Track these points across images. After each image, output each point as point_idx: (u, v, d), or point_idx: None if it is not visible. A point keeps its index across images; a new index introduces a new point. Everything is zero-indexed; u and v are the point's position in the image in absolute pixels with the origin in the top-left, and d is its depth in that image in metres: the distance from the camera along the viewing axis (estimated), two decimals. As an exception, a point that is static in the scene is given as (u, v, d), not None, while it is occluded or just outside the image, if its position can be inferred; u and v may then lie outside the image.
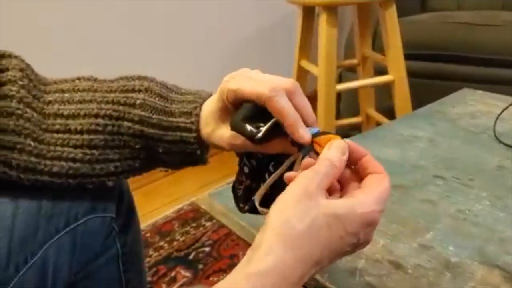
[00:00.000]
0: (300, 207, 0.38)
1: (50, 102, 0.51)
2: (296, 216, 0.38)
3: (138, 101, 0.50)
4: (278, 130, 0.45)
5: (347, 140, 0.44)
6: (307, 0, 1.49)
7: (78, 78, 0.54)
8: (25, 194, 0.51)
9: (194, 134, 0.50)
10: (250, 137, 0.45)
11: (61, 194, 0.53)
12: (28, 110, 0.49)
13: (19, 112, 0.48)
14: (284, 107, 0.43)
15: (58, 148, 0.50)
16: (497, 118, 0.91)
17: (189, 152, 0.51)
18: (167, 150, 0.51)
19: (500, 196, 0.69)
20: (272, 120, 0.45)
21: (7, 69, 0.50)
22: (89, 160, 0.50)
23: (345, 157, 0.42)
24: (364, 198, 0.40)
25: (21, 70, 0.50)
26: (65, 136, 0.50)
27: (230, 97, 0.46)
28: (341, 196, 0.43)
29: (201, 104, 0.51)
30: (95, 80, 0.54)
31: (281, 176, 0.46)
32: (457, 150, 0.85)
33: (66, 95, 0.52)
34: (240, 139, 0.47)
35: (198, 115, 0.50)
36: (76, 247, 0.54)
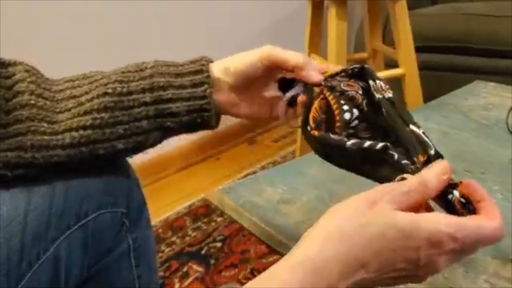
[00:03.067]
0: (356, 211, 0.38)
1: (61, 90, 0.54)
2: (349, 218, 0.37)
3: (150, 65, 0.54)
4: None
5: (471, 181, 0.42)
6: (316, -6, 1.48)
7: (89, 72, 0.56)
8: (37, 191, 0.52)
9: (205, 74, 0.54)
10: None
11: (71, 191, 0.53)
12: (40, 99, 0.51)
13: (32, 102, 0.51)
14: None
15: (69, 121, 0.51)
16: (509, 111, 0.90)
17: (198, 96, 0.54)
18: (177, 97, 0.53)
19: (513, 189, 0.69)
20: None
21: (14, 74, 0.52)
22: (99, 125, 0.51)
23: (445, 177, 0.40)
24: (439, 217, 0.38)
25: (27, 71, 0.53)
26: (76, 109, 0.52)
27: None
28: None
29: (210, 59, 0.56)
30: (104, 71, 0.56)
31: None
32: (469, 142, 0.84)
33: (77, 82, 0.54)
34: None
35: (207, 61, 0.55)
36: (88, 242, 0.54)
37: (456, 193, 0.40)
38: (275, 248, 0.65)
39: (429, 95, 1.30)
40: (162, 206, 1.62)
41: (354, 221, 0.37)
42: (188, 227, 1.52)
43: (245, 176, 1.75)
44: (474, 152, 0.81)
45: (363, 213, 0.37)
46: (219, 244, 1.42)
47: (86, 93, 0.52)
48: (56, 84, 0.54)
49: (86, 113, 0.51)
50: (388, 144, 0.43)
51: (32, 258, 0.49)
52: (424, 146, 0.43)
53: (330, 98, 0.49)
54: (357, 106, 0.48)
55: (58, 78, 0.56)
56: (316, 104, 0.50)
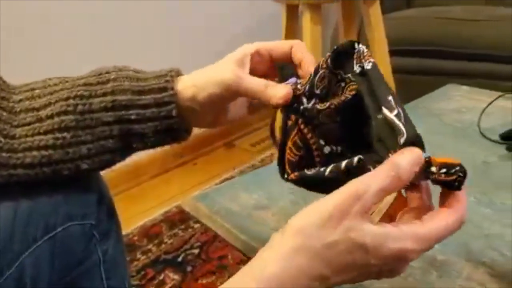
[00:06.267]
0: (327, 227, 0.36)
1: (20, 100, 0.51)
2: (319, 233, 0.36)
3: (112, 77, 0.51)
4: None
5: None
6: (291, -2, 1.48)
7: (50, 78, 0.53)
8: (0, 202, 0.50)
9: (170, 92, 0.50)
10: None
11: (38, 202, 0.52)
12: None
13: None
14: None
15: (29, 138, 0.49)
16: (481, 113, 0.91)
17: (164, 116, 0.50)
18: (141, 117, 0.50)
19: (485, 192, 0.69)
20: None
21: None
22: (61, 145, 0.49)
23: (417, 169, 0.38)
24: (403, 233, 0.37)
25: None
26: (36, 125, 0.49)
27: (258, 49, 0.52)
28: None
29: (178, 71, 0.52)
30: (67, 77, 0.53)
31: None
32: (442, 145, 0.84)
33: (37, 91, 0.51)
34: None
35: (173, 76, 0.51)
36: (55, 256, 0.52)
37: (433, 169, 0.39)
38: (250, 256, 0.64)
39: (403, 99, 1.31)
40: (138, 213, 1.60)
41: (322, 238, 0.36)
42: (164, 234, 1.50)
43: (223, 181, 1.74)
44: (448, 155, 0.81)
45: (332, 228, 0.36)
46: (196, 251, 1.40)
47: (46, 106, 0.50)
48: (17, 92, 0.52)
49: (46, 132, 0.49)
50: (362, 156, 0.41)
51: None
52: (395, 136, 0.41)
53: (305, 131, 0.48)
54: (335, 136, 0.48)
55: (20, 84, 0.53)
56: (290, 143, 0.48)
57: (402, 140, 0.39)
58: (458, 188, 0.39)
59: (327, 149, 0.48)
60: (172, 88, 0.50)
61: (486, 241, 0.59)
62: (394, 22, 1.81)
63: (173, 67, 0.53)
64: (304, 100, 0.48)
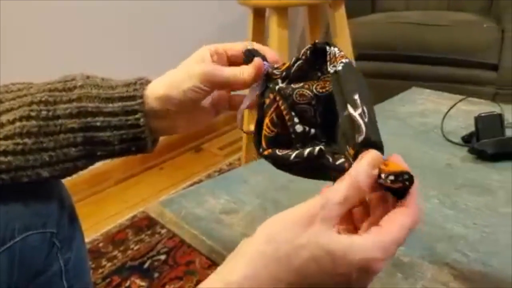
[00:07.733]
0: (294, 231, 0.37)
1: None
2: (286, 238, 0.37)
3: (78, 84, 0.50)
4: None
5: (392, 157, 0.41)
6: (257, 1, 1.48)
7: (13, 83, 0.52)
8: None
9: (139, 101, 0.50)
10: None
11: None
12: None
13: None
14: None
15: None
16: (444, 117, 0.93)
17: (131, 124, 0.50)
18: (107, 125, 0.49)
19: (448, 194, 0.70)
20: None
21: None
22: (22, 151, 0.47)
23: (376, 171, 0.38)
24: (368, 243, 0.37)
25: None
26: None
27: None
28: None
29: (147, 80, 0.52)
30: (31, 82, 0.52)
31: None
32: (407, 148, 0.86)
33: None
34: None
35: (142, 84, 0.51)
36: (14, 266, 0.50)
37: (382, 175, 0.39)
38: (217, 262, 0.64)
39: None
40: (103, 219, 1.57)
41: (290, 243, 0.37)
42: (130, 240, 1.47)
43: (190, 186, 1.72)
44: (412, 158, 0.82)
45: (299, 235, 0.37)
46: (163, 257, 1.38)
47: (8, 111, 0.48)
48: None
49: (7, 137, 0.47)
50: (322, 147, 0.42)
51: None
52: (354, 134, 0.41)
53: (282, 108, 0.49)
54: (309, 118, 0.49)
55: None
56: (267, 119, 0.49)
57: (360, 139, 0.40)
58: (403, 196, 0.39)
59: (299, 128, 0.49)
60: (141, 97, 0.50)
61: (450, 243, 0.60)
62: (359, 27, 1.84)
63: (142, 76, 0.53)
64: (279, 81, 0.50)
